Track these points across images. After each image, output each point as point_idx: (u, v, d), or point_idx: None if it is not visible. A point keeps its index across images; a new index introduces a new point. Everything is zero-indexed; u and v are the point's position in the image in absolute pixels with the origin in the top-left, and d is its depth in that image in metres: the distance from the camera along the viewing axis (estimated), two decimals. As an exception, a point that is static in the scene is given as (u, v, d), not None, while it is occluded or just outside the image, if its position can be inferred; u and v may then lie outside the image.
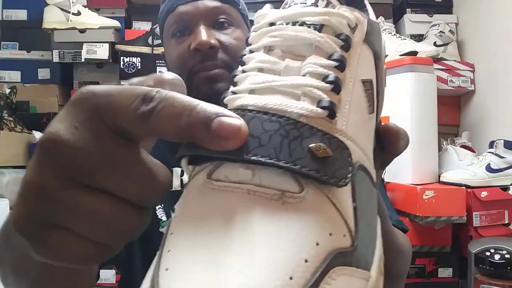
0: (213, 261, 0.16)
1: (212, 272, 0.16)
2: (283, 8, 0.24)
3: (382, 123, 0.30)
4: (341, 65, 0.21)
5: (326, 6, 0.23)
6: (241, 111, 0.20)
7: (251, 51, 0.23)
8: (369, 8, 0.28)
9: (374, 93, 0.24)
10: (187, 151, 0.20)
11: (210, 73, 0.61)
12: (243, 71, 0.23)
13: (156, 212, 0.66)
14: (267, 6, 0.25)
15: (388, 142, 0.30)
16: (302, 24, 0.22)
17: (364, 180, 0.21)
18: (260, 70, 0.22)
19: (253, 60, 0.22)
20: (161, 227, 0.66)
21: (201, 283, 0.16)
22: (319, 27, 0.22)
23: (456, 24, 1.89)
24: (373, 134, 0.25)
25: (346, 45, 0.22)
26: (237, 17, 0.68)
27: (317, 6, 0.23)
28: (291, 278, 0.16)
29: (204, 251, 0.17)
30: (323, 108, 0.20)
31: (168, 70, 0.71)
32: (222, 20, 0.65)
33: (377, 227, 0.22)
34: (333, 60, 0.21)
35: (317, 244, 0.17)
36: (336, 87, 0.21)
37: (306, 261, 0.16)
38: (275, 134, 0.18)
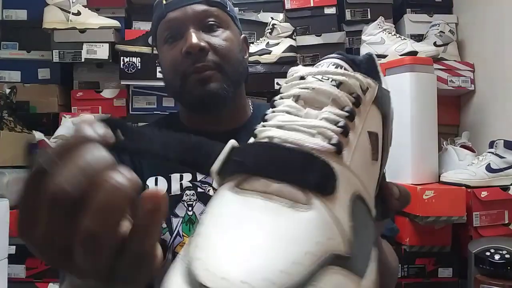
0: (235, 239, 0.21)
1: (234, 246, 0.20)
2: (315, 67, 0.30)
3: (387, 180, 0.36)
4: (351, 116, 0.26)
5: (346, 70, 0.29)
6: (268, 139, 0.26)
7: (281, 98, 0.29)
8: (382, 78, 0.34)
9: (379, 144, 0.29)
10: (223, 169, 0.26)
11: (202, 75, 0.63)
12: (273, 112, 0.28)
13: None
14: (300, 66, 0.31)
15: (385, 197, 0.35)
16: (325, 80, 0.28)
17: (361, 208, 0.25)
18: (287, 112, 0.27)
19: (282, 104, 0.28)
20: (162, 234, 0.66)
21: (223, 249, 0.20)
22: (338, 84, 0.27)
23: (456, 24, 1.89)
24: (376, 180, 0.30)
25: (357, 102, 0.27)
26: (226, 18, 0.70)
27: (339, 68, 0.29)
28: (293, 263, 0.19)
29: (229, 233, 0.21)
30: (332, 144, 0.25)
31: (163, 75, 0.72)
32: (211, 22, 0.67)
33: (372, 253, 0.25)
34: (345, 111, 0.26)
35: (317, 243, 0.21)
36: (345, 131, 0.26)
37: (306, 253, 0.20)
38: (291, 159, 0.24)
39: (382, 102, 0.30)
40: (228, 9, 0.71)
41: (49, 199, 0.24)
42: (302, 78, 0.29)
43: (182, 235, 0.66)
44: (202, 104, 0.65)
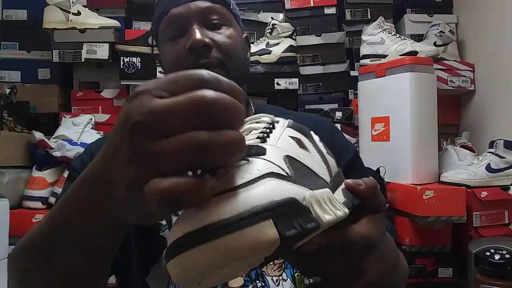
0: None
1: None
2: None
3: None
4: (269, 131, 0.38)
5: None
6: None
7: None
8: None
9: (304, 144, 0.39)
10: None
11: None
12: None
13: None
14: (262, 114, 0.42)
15: (349, 189, 0.39)
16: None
17: (296, 162, 0.35)
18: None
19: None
20: (161, 231, 0.66)
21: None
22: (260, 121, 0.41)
23: (456, 24, 1.89)
24: (320, 165, 0.39)
25: (273, 125, 0.39)
26: (229, 16, 0.70)
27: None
28: (242, 178, 0.30)
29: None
30: (259, 137, 0.38)
31: (165, 73, 0.71)
32: (214, 19, 0.67)
33: (315, 190, 0.33)
34: (264, 128, 0.39)
35: (258, 170, 0.31)
36: (267, 135, 0.38)
37: (251, 174, 0.30)
38: None
39: (299, 128, 0.40)
40: (232, 7, 0.71)
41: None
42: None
43: None
44: None
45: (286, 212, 0.29)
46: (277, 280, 0.63)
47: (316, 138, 0.42)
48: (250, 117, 0.41)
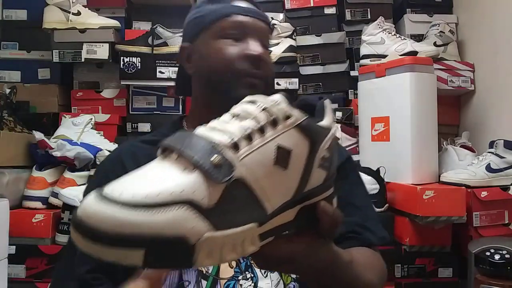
0: (133, 176, 0.34)
1: (130, 178, 0.33)
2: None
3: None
4: (261, 129, 0.37)
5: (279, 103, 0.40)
6: (195, 133, 0.38)
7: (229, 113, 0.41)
8: (326, 119, 0.43)
9: (291, 159, 0.38)
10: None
11: (253, 81, 0.70)
12: (214, 120, 0.40)
13: None
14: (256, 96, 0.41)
15: (319, 213, 0.42)
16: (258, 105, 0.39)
17: (240, 189, 0.35)
18: (221, 121, 0.39)
19: (223, 116, 0.40)
20: None
21: (123, 179, 0.33)
22: (263, 109, 0.38)
23: (456, 24, 1.89)
24: (287, 186, 0.39)
25: (274, 122, 0.38)
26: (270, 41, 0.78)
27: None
28: (157, 194, 0.31)
29: (133, 174, 0.34)
30: (231, 141, 0.36)
31: (203, 62, 0.73)
32: (265, 40, 0.75)
33: (244, 227, 0.35)
34: (259, 125, 0.37)
35: (183, 190, 0.32)
36: (249, 137, 0.36)
37: (171, 193, 0.31)
38: (193, 143, 0.35)
39: (310, 132, 0.39)
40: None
41: None
42: (251, 102, 0.40)
43: None
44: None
45: (165, 247, 0.30)
46: (265, 272, 0.67)
47: (325, 145, 0.41)
48: (271, 97, 0.40)
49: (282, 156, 0.37)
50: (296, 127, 0.38)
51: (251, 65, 0.70)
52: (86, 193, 0.68)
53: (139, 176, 0.34)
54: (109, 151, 1.43)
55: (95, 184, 0.66)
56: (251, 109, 0.38)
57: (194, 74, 0.76)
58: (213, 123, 0.38)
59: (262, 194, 0.36)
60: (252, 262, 0.66)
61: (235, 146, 0.35)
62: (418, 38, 1.86)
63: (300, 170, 0.39)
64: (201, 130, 0.37)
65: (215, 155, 0.34)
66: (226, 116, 0.39)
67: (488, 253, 1.21)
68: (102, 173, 0.76)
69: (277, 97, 0.39)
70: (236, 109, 0.39)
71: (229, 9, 0.72)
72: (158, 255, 0.30)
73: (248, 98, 0.40)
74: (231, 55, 0.70)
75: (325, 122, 0.43)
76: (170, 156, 0.35)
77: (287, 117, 0.38)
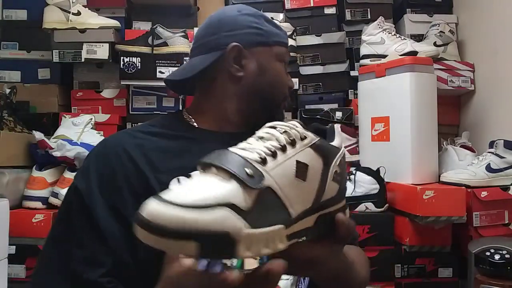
0: (183, 187, 0.40)
1: (182, 187, 0.40)
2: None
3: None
4: (283, 147, 0.45)
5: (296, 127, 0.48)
6: (228, 150, 0.45)
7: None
8: (336, 141, 0.51)
9: (309, 173, 0.45)
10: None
11: (286, 107, 0.83)
12: (244, 141, 0.48)
13: None
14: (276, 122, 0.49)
15: (337, 222, 0.48)
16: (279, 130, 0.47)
17: (270, 195, 0.42)
18: (247, 142, 0.47)
19: (250, 139, 0.48)
20: None
21: (175, 188, 0.39)
22: (283, 132, 0.46)
23: (456, 24, 1.89)
24: (308, 195, 0.45)
25: (293, 142, 0.45)
26: None
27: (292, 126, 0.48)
28: (202, 199, 0.38)
29: (183, 184, 0.43)
30: (259, 157, 0.43)
31: (266, 78, 0.77)
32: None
33: (274, 227, 0.41)
34: (280, 145, 0.45)
35: (224, 195, 0.39)
36: (274, 154, 0.44)
37: (214, 197, 0.38)
38: (229, 158, 0.43)
39: (323, 150, 0.47)
40: None
41: None
42: (272, 127, 0.47)
43: None
44: (272, 118, 0.68)
45: (213, 240, 0.37)
46: None
47: (336, 162, 0.48)
48: (289, 122, 0.48)
49: (301, 170, 0.44)
50: (311, 146, 0.46)
51: (290, 95, 0.83)
52: (91, 186, 0.65)
53: (190, 185, 0.40)
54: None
55: (102, 178, 0.66)
56: (273, 132, 0.46)
57: (242, 78, 0.75)
58: (242, 144, 0.46)
59: (287, 200, 0.43)
60: None
61: (263, 161, 0.43)
62: (418, 38, 1.86)
63: (317, 182, 0.46)
64: (233, 149, 0.44)
65: (249, 168, 0.41)
66: (251, 139, 0.47)
67: (488, 253, 1.21)
68: (108, 167, 0.67)
69: (294, 122, 0.47)
70: (260, 133, 0.47)
71: (286, 40, 0.82)
72: (207, 247, 0.37)
73: (268, 124, 0.48)
74: (288, 82, 0.81)
75: (335, 142, 0.50)
76: (211, 170, 0.42)
77: (303, 138, 0.46)
